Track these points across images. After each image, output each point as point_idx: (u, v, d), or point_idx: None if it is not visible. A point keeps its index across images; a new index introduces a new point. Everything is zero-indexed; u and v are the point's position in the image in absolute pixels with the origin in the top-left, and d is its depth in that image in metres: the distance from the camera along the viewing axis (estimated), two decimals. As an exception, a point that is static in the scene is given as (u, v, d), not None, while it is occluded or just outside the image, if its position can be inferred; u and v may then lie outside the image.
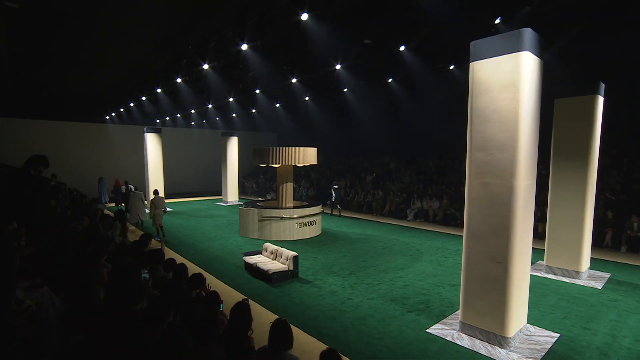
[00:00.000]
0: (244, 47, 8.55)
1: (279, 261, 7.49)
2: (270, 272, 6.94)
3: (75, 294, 3.27)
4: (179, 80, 11.80)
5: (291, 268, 7.22)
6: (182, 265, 4.63)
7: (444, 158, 17.33)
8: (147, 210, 12.93)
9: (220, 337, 3.09)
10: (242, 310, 3.08)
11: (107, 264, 4.02)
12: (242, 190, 22.28)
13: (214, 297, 3.53)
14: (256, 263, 7.39)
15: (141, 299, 2.79)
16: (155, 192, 11.03)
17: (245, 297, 2.65)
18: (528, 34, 4.34)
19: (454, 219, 12.61)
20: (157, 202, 10.42)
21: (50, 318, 3.00)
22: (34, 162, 4.65)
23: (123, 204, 15.34)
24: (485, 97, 4.68)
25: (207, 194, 22.82)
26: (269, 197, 20.50)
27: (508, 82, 4.38)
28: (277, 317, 2.74)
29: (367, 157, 21.10)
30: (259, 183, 22.58)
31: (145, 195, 16.24)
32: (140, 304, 2.76)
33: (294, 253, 7.34)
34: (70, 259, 4.05)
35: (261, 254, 8.06)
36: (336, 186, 15.47)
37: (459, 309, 5.58)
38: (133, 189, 13.01)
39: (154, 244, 8.98)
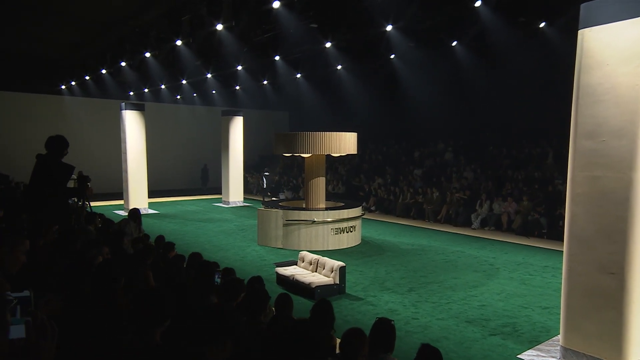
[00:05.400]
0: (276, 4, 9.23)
1: (321, 273, 8.23)
2: (313, 286, 7.68)
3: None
4: (179, 42, 12.56)
5: (337, 282, 7.95)
6: (230, 269, 5.48)
7: (524, 147, 17.73)
8: None
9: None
10: (323, 309, 3.83)
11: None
12: (245, 188, 23.07)
13: (286, 299, 4.29)
14: (293, 275, 8.15)
15: (238, 295, 3.57)
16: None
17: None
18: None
19: (537, 227, 13.10)
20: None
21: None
22: (58, 145, 5.45)
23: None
24: (597, 72, 5.25)
25: (199, 193, 23.75)
26: (282, 196, 21.30)
27: (631, 53, 4.93)
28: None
29: (415, 144, 21.66)
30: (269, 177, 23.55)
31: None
32: (237, 299, 3.54)
33: (341, 263, 8.07)
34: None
35: (296, 264, 8.82)
36: (267, 173, 21.97)
37: (556, 335, 6.20)
38: None
39: None
